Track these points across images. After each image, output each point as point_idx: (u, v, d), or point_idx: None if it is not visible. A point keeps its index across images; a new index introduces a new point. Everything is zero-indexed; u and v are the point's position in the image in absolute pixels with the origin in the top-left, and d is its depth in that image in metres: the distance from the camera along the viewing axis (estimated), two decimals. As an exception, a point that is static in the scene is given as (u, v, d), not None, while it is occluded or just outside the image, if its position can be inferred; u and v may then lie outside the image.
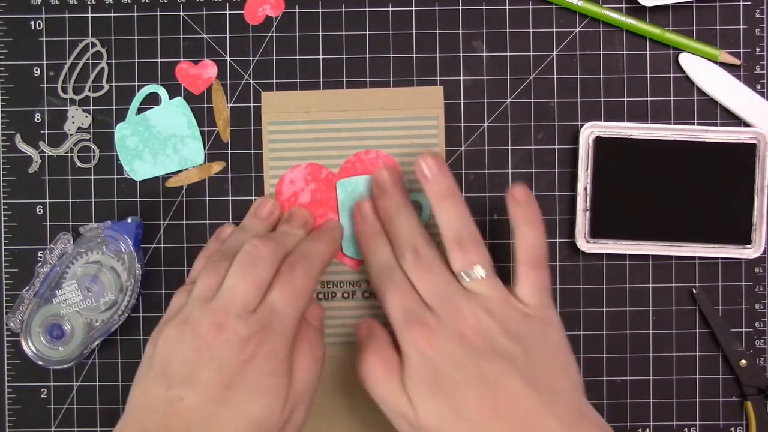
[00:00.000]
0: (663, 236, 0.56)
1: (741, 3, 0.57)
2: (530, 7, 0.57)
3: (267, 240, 0.50)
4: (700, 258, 0.57)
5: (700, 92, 0.57)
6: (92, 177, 0.58)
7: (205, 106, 0.58)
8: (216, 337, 0.46)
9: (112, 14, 0.58)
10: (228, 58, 0.58)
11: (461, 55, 0.57)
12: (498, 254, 0.57)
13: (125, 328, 0.57)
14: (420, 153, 0.54)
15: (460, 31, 0.57)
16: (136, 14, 0.58)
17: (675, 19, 0.57)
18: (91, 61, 0.58)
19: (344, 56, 0.57)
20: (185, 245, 0.57)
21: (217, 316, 0.47)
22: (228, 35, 0.58)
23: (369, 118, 0.57)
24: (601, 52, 0.57)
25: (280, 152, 0.57)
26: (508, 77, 0.57)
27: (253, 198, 0.57)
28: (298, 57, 0.57)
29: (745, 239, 0.56)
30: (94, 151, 0.58)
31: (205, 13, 0.58)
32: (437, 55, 0.57)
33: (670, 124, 0.57)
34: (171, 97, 0.58)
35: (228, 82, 0.58)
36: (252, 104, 0.57)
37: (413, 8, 0.57)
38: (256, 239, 0.50)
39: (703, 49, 0.56)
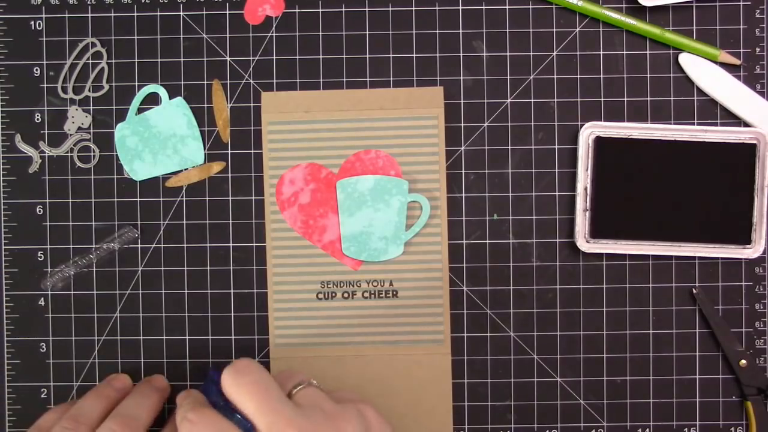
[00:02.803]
0: (663, 236, 0.56)
1: (741, 3, 0.57)
2: (530, 7, 0.57)
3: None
4: (700, 258, 0.57)
5: (700, 92, 0.57)
6: (92, 177, 0.58)
7: (205, 106, 0.58)
8: None
9: (112, 14, 0.58)
10: (228, 58, 0.58)
11: (461, 55, 0.57)
12: (498, 254, 0.57)
13: (124, 328, 0.57)
14: (419, 153, 0.55)
15: (460, 31, 0.57)
16: (136, 14, 0.58)
17: (675, 19, 0.57)
18: (91, 61, 0.58)
19: (344, 56, 0.57)
20: (185, 245, 0.57)
21: None
22: (228, 35, 0.58)
23: (369, 118, 0.57)
24: (601, 52, 0.57)
25: (280, 152, 0.57)
26: (508, 77, 0.57)
27: (253, 198, 0.57)
28: (298, 57, 0.58)
29: (745, 239, 0.56)
30: (94, 151, 0.58)
31: (205, 13, 0.58)
32: (437, 55, 0.57)
33: (670, 124, 0.57)
34: (171, 97, 0.58)
35: (228, 82, 0.58)
36: (252, 104, 0.57)
37: (413, 8, 0.57)
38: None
39: (703, 49, 0.56)
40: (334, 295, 0.57)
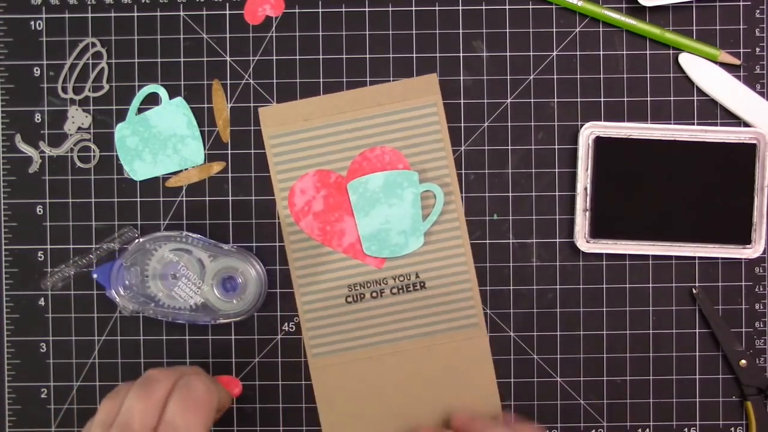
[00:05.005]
0: (663, 236, 0.56)
1: (741, 3, 0.57)
2: (530, 7, 0.57)
3: (165, 369, 0.50)
4: (700, 258, 0.57)
5: (700, 92, 0.57)
6: (92, 177, 0.58)
7: (205, 106, 0.58)
8: None
9: (112, 14, 0.58)
10: (228, 58, 0.58)
11: (461, 55, 0.57)
12: (498, 254, 0.57)
13: (125, 328, 0.57)
14: (423, 143, 0.55)
15: (460, 31, 0.57)
16: (136, 14, 0.58)
17: (675, 19, 0.57)
18: (91, 61, 0.58)
19: (344, 56, 0.57)
20: (185, 245, 0.57)
21: None
22: (228, 35, 0.58)
23: (369, 116, 0.57)
24: (601, 52, 0.57)
25: (286, 164, 0.57)
26: (508, 77, 0.57)
27: (253, 198, 0.57)
28: (298, 57, 0.57)
29: (745, 239, 0.56)
30: (94, 151, 0.58)
31: (205, 13, 0.58)
32: (437, 55, 0.57)
33: (670, 124, 0.57)
34: (171, 97, 0.58)
35: (228, 82, 0.58)
36: (252, 104, 0.57)
37: (413, 8, 0.57)
38: (154, 369, 0.50)
39: (703, 49, 0.56)
40: (362, 296, 0.57)
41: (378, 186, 0.56)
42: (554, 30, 0.57)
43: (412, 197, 0.56)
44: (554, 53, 0.57)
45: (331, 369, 0.57)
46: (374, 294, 0.57)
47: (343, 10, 0.57)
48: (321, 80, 0.57)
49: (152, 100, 0.58)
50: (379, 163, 0.57)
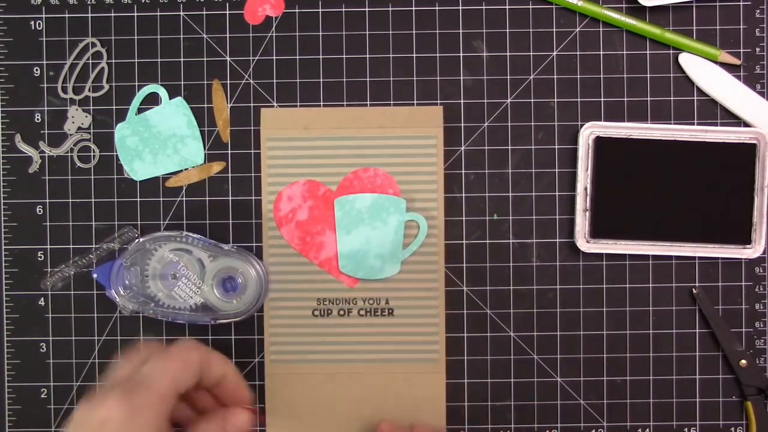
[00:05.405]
0: (663, 236, 0.56)
1: (741, 3, 0.57)
2: (530, 7, 0.57)
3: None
4: (700, 258, 0.57)
5: (700, 92, 0.57)
6: (92, 177, 0.58)
7: (205, 106, 0.58)
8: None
9: (112, 14, 0.58)
10: (228, 58, 0.58)
11: (461, 55, 0.57)
12: (498, 254, 0.57)
13: (125, 328, 0.57)
14: (417, 172, 0.55)
15: (460, 31, 0.57)
16: (136, 14, 0.58)
17: (675, 19, 0.57)
18: (91, 61, 0.58)
19: (344, 56, 0.57)
20: (185, 245, 0.57)
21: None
22: (228, 35, 0.58)
23: (368, 136, 0.57)
24: (601, 52, 0.57)
25: (279, 168, 0.57)
26: (508, 77, 0.57)
27: (253, 198, 0.57)
28: (298, 57, 0.58)
29: (745, 239, 0.56)
30: (94, 151, 0.58)
31: (205, 13, 0.58)
32: (437, 55, 0.57)
33: (670, 124, 0.57)
34: (171, 97, 0.58)
35: (228, 82, 0.58)
36: (252, 104, 0.57)
37: (413, 8, 0.57)
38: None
39: (703, 49, 0.56)
40: (330, 312, 0.57)
41: (364, 206, 0.56)
42: (554, 30, 0.57)
43: (396, 224, 0.56)
44: (554, 53, 0.57)
45: (287, 377, 0.57)
46: (341, 312, 0.57)
47: (343, 10, 0.57)
48: (321, 80, 0.57)
49: (152, 100, 0.58)
50: (369, 184, 0.57)
